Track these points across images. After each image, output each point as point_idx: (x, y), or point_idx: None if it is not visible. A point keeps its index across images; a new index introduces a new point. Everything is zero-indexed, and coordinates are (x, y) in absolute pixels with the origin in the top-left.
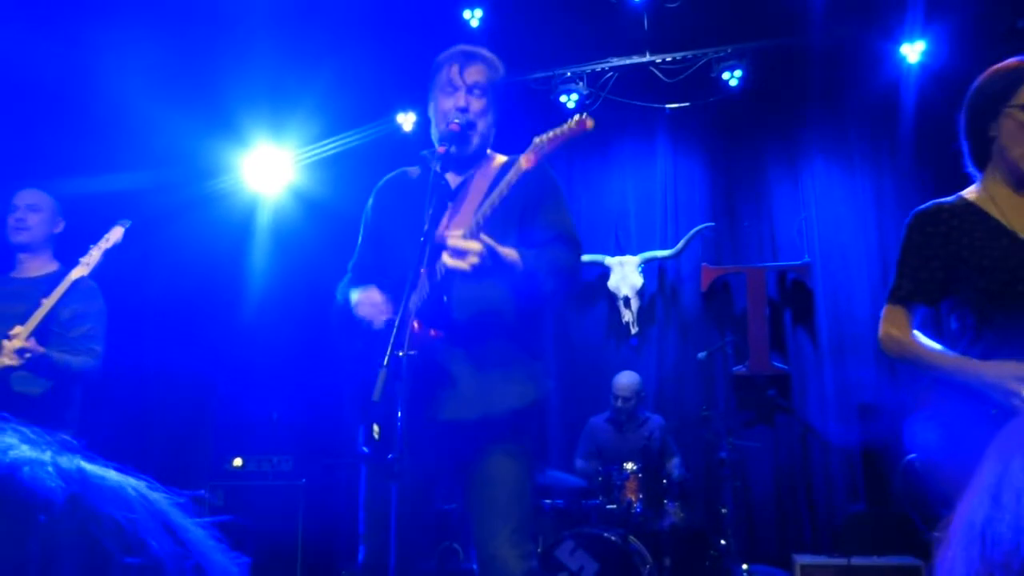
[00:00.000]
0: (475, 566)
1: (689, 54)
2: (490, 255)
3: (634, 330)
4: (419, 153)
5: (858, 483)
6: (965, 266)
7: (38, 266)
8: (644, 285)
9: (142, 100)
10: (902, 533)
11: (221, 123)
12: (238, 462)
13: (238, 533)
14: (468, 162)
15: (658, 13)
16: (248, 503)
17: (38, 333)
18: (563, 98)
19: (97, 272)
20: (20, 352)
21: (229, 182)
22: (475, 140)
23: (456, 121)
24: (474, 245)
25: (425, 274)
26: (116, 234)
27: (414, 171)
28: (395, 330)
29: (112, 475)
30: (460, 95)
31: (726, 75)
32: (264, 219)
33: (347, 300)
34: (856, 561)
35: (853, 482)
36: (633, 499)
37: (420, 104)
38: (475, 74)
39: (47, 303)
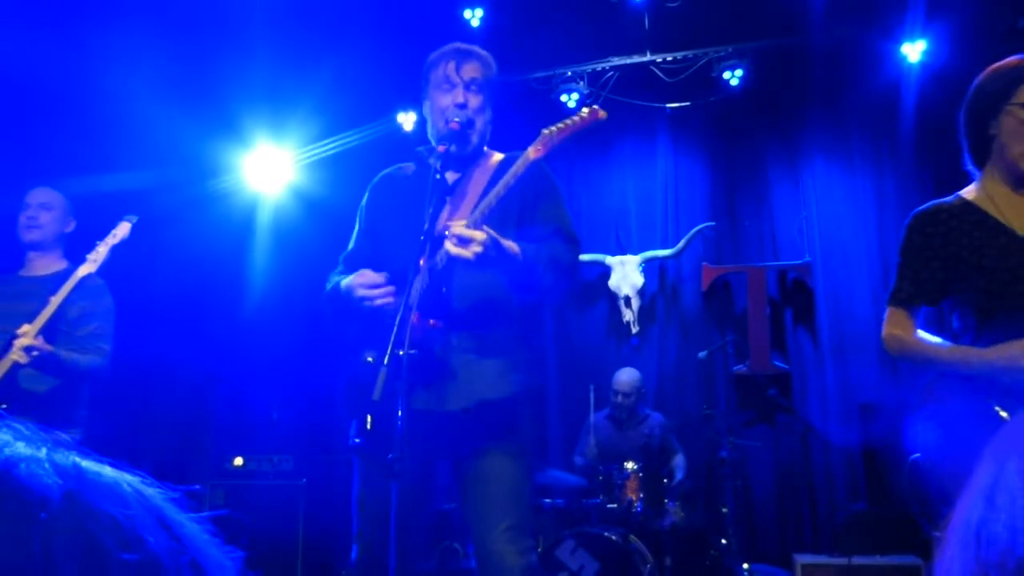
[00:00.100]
0: (475, 564)
1: (690, 53)
2: (493, 245)
3: (635, 329)
4: (415, 149)
5: (859, 482)
6: (965, 266)
7: (47, 264)
8: (645, 284)
9: (145, 102)
10: (903, 532)
11: (222, 124)
12: (239, 461)
13: (236, 531)
14: (467, 160)
15: (659, 12)
16: (249, 502)
17: (46, 331)
18: (564, 97)
19: (104, 269)
20: (28, 350)
21: (230, 182)
22: (474, 139)
23: (456, 119)
24: (478, 234)
25: (425, 267)
26: (123, 230)
27: (409, 167)
28: (395, 328)
29: (107, 471)
30: (458, 91)
31: (727, 75)
32: (264, 218)
33: (336, 286)
34: (857, 560)
35: (854, 481)
36: (634, 498)
37: (420, 104)
38: (471, 71)
39: (55, 301)
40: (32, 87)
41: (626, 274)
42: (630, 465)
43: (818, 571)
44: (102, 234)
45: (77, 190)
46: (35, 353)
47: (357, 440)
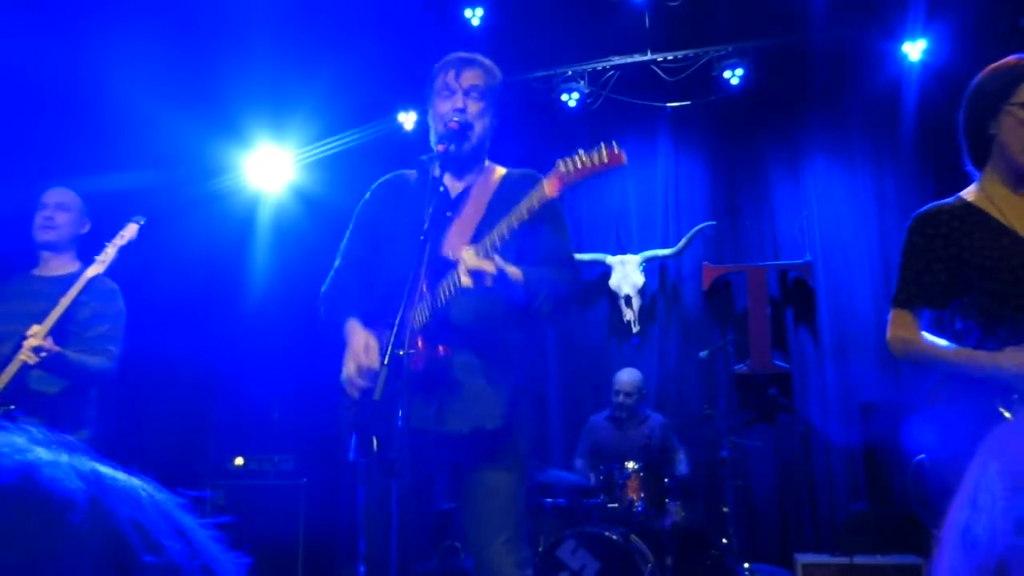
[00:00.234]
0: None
1: (691, 53)
2: (501, 277)
3: (635, 329)
4: (418, 158)
5: (860, 482)
6: (967, 268)
7: (60, 265)
8: (645, 284)
9: (146, 102)
10: (904, 532)
11: (223, 124)
12: (239, 461)
13: (237, 532)
14: (466, 165)
15: (659, 11)
16: (249, 503)
17: (56, 332)
18: (564, 97)
19: (112, 270)
20: (37, 350)
21: (231, 181)
22: (473, 139)
23: (455, 119)
24: (488, 266)
25: (426, 287)
26: (131, 231)
27: (412, 175)
28: (395, 328)
29: (122, 476)
30: (457, 98)
31: (727, 74)
32: (265, 218)
33: (340, 323)
34: (858, 560)
35: (855, 481)
36: (635, 498)
37: (421, 103)
38: (471, 78)
39: (64, 301)
40: (32, 87)
41: (627, 273)
42: (631, 464)
43: (819, 571)
44: (108, 233)
45: (79, 190)
46: (44, 354)
47: (360, 459)
